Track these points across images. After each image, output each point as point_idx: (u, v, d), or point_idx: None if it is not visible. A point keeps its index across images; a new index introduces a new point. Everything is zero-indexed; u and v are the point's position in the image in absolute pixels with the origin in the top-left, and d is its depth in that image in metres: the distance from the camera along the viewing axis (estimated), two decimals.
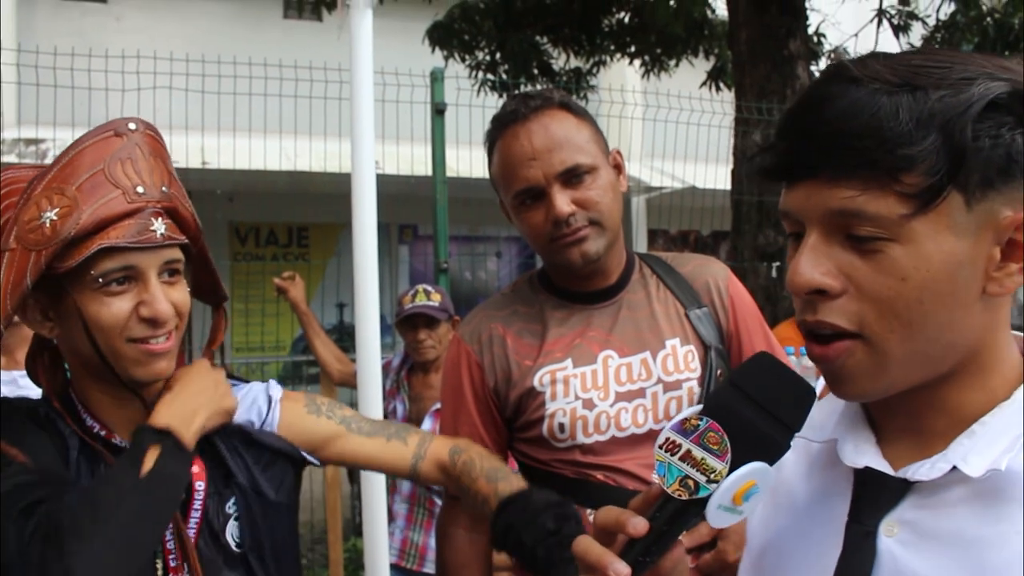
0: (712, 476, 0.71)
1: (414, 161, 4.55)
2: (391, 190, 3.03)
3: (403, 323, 3.23)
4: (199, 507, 1.18)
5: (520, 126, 1.48)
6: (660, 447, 0.74)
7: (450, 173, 4.21)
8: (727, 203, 5.23)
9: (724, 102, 5.61)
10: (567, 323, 1.55)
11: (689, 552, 1.38)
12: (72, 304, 1.08)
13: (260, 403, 1.31)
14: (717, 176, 5.15)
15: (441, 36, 6.16)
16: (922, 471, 0.74)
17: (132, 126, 1.13)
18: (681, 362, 1.51)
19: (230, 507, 1.22)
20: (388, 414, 3.27)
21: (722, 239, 7.55)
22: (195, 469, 1.19)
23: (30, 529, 0.99)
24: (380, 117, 2.72)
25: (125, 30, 8.16)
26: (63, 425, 1.14)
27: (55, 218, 1.05)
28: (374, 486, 2.01)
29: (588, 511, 1.46)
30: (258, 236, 9.72)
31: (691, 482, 0.72)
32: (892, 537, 0.75)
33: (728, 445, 0.71)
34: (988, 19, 5.75)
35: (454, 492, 1.39)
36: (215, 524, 1.20)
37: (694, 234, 8.17)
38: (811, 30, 5.68)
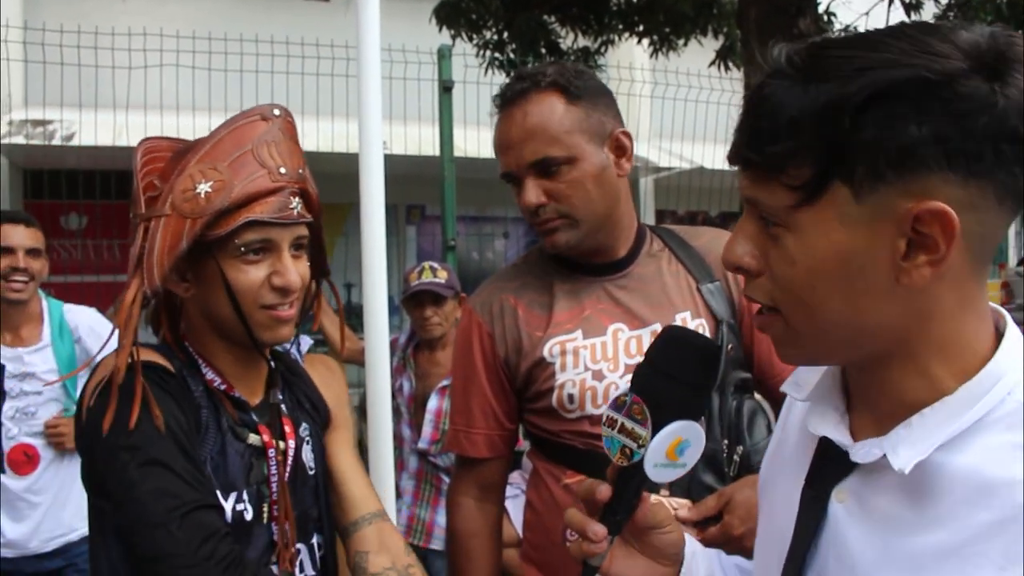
0: (640, 442, 0.84)
1: (421, 141, 4.55)
2: (399, 170, 3.03)
3: (409, 300, 3.22)
4: (290, 463, 1.27)
5: (505, 110, 1.50)
6: (603, 424, 0.87)
7: (458, 153, 4.20)
8: (736, 184, 5.18)
9: (733, 80, 5.58)
10: (576, 295, 1.54)
11: (696, 525, 1.39)
12: (215, 268, 1.19)
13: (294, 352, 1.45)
14: (726, 156, 5.13)
15: (448, 15, 6.12)
16: (860, 453, 0.76)
17: (276, 112, 1.24)
18: None
19: (303, 431, 1.33)
20: (395, 392, 3.28)
21: (731, 220, 7.52)
22: (287, 428, 1.29)
23: (213, 547, 1.09)
24: (388, 96, 2.71)
25: (131, 11, 8.12)
26: (194, 383, 1.23)
27: (209, 191, 1.16)
28: (381, 463, 2.02)
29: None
30: None
31: (627, 450, 0.85)
32: (841, 504, 0.79)
33: (648, 414, 0.84)
34: None
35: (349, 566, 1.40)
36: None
37: (702, 215, 8.14)
38: (821, 8, 5.62)
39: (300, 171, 1.23)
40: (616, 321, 1.52)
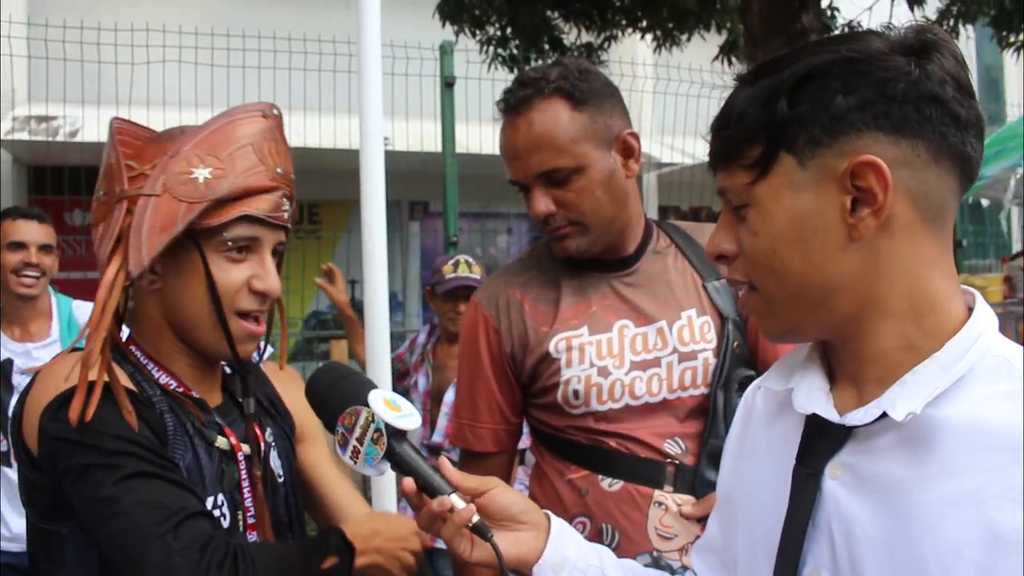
0: (373, 432, 1.01)
1: (424, 138, 4.54)
2: (402, 167, 3.03)
3: (445, 293, 3.20)
4: (259, 468, 1.22)
5: (509, 118, 1.49)
6: (353, 457, 1.02)
7: (460, 150, 4.21)
8: None
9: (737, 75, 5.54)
10: (583, 291, 1.55)
11: (700, 521, 1.41)
12: (196, 261, 1.13)
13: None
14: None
15: (452, 11, 6.10)
16: (856, 417, 0.82)
17: (275, 112, 1.21)
18: (697, 333, 1.51)
19: (269, 436, 1.27)
20: (409, 388, 3.28)
21: None
22: (256, 432, 1.23)
23: (212, 553, 1.03)
24: (390, 92, 2.71)
25: (135, 3, 8.12)
26: (150, 387, 1.15)
27: (208, 177, 1.11)
28: None
29: (600, 477, 1.47)
30: None
31: (377, 434, 1.00)
32: (836, 480, 0.83)
33: (355, 416, 1.01)
34: None
35: None
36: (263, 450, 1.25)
37: (705, 210, 8.12)
38: (824, 3, 5.60)
39: (292, 176, 1.21)
40: (622, 317, 1.52)
